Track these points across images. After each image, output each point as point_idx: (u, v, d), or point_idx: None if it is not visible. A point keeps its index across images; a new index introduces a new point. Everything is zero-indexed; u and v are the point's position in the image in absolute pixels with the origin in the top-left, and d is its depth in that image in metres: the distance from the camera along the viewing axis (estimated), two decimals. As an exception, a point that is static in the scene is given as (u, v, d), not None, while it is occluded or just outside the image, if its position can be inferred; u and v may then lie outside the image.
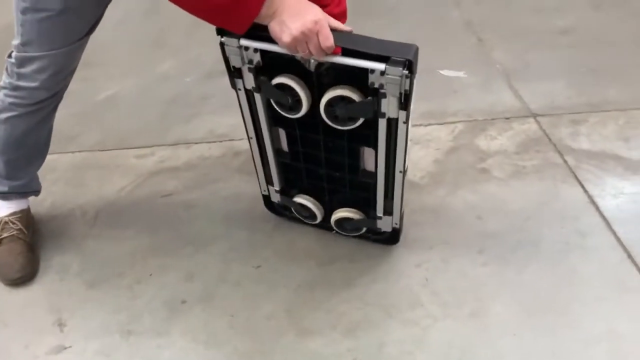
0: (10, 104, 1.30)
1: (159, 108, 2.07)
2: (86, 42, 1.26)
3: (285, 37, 1.02)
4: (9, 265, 1.42)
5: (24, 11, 1.16)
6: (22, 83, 1.26)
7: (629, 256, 1.40)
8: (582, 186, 1.61)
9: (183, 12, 1.04)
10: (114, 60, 2.39)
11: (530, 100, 1.97)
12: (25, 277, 1.42)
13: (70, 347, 1.28)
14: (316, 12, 1.03)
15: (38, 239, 1.53)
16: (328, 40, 1.03)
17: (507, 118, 1.90)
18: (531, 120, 1.88)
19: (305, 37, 1.02)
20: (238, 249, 1.49)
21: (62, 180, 1.74)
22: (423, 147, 1.80)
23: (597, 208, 1.53)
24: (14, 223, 1.46)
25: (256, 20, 1.04)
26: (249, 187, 1.62)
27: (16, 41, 1.23)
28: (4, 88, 1.31)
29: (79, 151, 1.88)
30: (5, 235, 1.45)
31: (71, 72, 1.30)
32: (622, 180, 1.63)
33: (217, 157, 1.81)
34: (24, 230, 1.47)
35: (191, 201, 1.64)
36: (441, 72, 2.16)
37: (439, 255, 1.44)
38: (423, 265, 1.41)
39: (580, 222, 1.50)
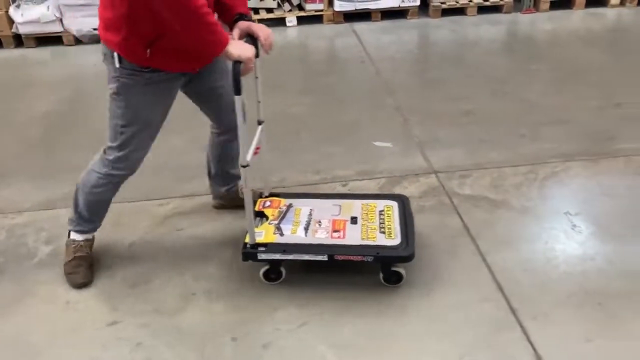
0: (103, 184, 2.02)
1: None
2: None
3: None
4: (80, 274, 2.13)
5: (122, 126, 1.89)
6: (115, 172, 1.98)
7: (483, 261, 2.17)
8: (461, 217, 2.40)
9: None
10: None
11: (434, 162, 2.80)
12: (87, 282, 2.13)
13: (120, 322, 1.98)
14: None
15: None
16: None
17: (417, 174, 2.72)
18: (433, 175, 2.70)
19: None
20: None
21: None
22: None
23: (468, 231, 2.33)
24: (84, 246, 2.17)
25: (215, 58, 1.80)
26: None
27: (113, 144, 1.93)
28: (98, 173, 2.00)
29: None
30: (78, 254, 2.15)
31: None
32: (485, 213, 2.43)
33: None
34: (90, 251, 2.19)
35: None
36: (374, 143, 3.00)
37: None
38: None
39: (456, 240, 2.28)
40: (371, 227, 2.10)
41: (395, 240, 2.03)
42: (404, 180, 2.67)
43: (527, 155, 2.83)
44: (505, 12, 5.01)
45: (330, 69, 4.25)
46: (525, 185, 2.60)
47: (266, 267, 2.07)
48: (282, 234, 2.08)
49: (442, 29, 4.76)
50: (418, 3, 4.92)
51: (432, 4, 4.92)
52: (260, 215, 2.19)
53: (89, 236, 2.20)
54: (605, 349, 1.80)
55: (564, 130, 3.07)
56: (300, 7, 4.90)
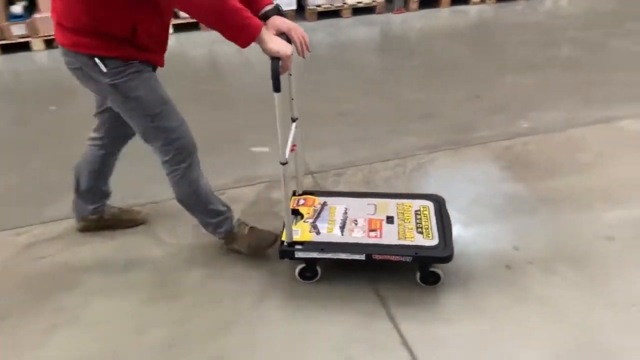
0: (196, 175, 1.99)
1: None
2: None
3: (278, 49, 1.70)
4: (266, 234, 2.18)
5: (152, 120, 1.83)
6: (187, 157, 1.93)
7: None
8: (335, 215, 2.49)
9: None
10: None
11: (311, 163, 2.87)
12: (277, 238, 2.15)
13: None
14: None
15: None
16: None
17: (294, 176, 2.76)
18: (309, 176, 2.77)
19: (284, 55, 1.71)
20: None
21: None
22: (234, 201, 2.60)
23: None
24: (241, 221, 2.21)
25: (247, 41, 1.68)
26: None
27: (160, 143, 1.88)
28: (183, 176, 1.96)
29: None
30: (247, 228, 2.18)
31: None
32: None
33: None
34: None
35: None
36: (252, 149, 3.02)
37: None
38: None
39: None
40: (408, 226, 2.10)
41: (433, 240, 2.03)
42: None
43: (396, 150, 2.99)
44: (379, 13, 5.26)
45: (211, 76, 4.22)
46: (393, 177, 2.74)
47: (302, 266, 2.06)
48: (318, 232, 2.07)
49: (318, 32, 4.89)
50: (295, 7, 5.02)
51: (307, 7, 5.04)
52: (295, 213, 2.17)
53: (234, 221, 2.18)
54: (467, 332, 1.90)
55: (431, 124, 3.28)
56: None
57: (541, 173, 2.77)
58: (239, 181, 2.75)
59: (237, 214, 2.45)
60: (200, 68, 4.44)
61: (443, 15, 5.43)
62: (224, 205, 2.16)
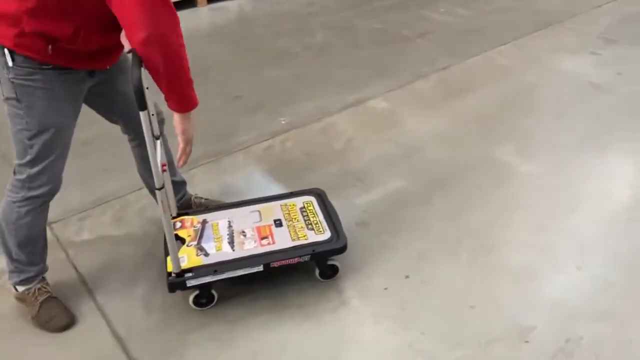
0: (26, 212, 1.77)
1: None
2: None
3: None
4: (57, 317, 1.89)
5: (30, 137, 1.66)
6: (34, 193, 1.75)
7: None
8: (77, 270, 2.16)
9: None
10: None
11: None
12: (73, 320, 1.91)
13: None
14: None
15: None
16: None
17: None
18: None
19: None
20: None
21: None
22: None
23: (87, 287, 2.10)
24: (44, 287, 1.93)
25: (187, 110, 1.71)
26: None
27: (22, 160, 1.70)
28: (15, 201, 1.76)
29: None
30: (42, 298, 1.90)
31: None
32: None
33: None
34: (51, 290, 1.94)
35: None
36: None
37: None
38: None
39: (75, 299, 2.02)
40: (298, 226, 2.07)
41: (325, 234, 2.02)
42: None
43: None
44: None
45: None
46: (150, 206, 2.47)
47: (195, 293, 1.92)
48: (207, 254, 1.95)
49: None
50: None
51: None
52: (175, 238, 1.95)
53: (41, 279, 1.96)
54: None
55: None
56: None
57: (300, 169, 2.76)
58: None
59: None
60: None
61: (203, 14, 5.22)
62: (39, 262, 1.96)
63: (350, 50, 4.15)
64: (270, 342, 1.86)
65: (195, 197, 2.39)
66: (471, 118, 3.21)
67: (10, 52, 1.57)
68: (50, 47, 1.57)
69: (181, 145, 1.78)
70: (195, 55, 4.31)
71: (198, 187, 2.62)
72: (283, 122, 3.17)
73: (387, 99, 3.42)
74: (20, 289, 1.95)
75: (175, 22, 1.59)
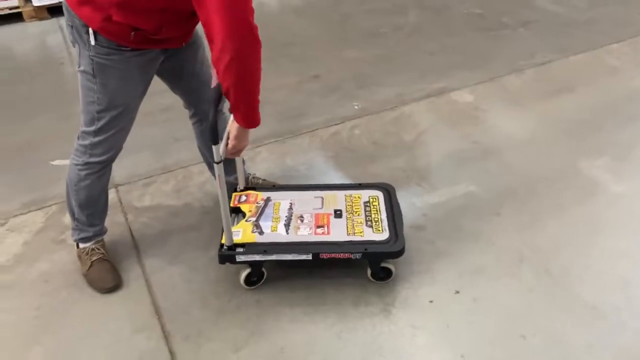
0: (86, 175, 1.87)
1: None
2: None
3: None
4: (103, 279, 1.98)
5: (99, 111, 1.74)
6: (94, 159, 1.84)
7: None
8: (132, 236, 2.23)
9: None
10: None
11: (116, 175, 2.55)
12: (119, 284, 2.00)
13: None
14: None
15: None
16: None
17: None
18: (113, 190, 2.46)
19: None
20: None
21: None
22: (16, 231, 2.26)
23: (139, 253, 2.16)
24: (98, 249, 2.03)
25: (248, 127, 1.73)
26: None
27: (89, 128, 1.78)
28: (77, 165, 1.86)
29: None
30: (94, 258, 2.01)
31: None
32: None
33: None
34: (106, 253, 2.04)
35: None
36: (52, 162, 2.66)
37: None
38: None
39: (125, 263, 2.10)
40: (357, 220, 2.00)
41: (383, 234, 1.93)
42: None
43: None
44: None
45: (16, 77, 3.64)
46: (210, 183, 2.50)
47: (248, 271, 1.94)
48: (261, 232, 1.95)
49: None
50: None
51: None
52: (236, 211, 2.05)
53: (98, 240, 2.07)
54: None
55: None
56: (-12, 6, 4.20)
57: (364, 159, 2.65)
58: (28, 205, 2.40)
59: (17, 247, 2.15)
60: (6, 66, 3.84)
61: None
62: (98, 223, 2.06)
63: (441, 35, 3.91)
64: (298, 340, 1.82)
65: (253, 177, 2.38)
66: (563, 122, 2.91)
67: (95, 32, 1.63)
68: (133, 33, 1.62)
69: (229, 147, 1.78)
70: (280, 29, 4.41)
71: (259, 166, 2.61)
72: (356, 107, 3.06)
73: (473, 91, 3.19)
74: (80, 245, 2.07)
75: (257, 47, 1.56)
